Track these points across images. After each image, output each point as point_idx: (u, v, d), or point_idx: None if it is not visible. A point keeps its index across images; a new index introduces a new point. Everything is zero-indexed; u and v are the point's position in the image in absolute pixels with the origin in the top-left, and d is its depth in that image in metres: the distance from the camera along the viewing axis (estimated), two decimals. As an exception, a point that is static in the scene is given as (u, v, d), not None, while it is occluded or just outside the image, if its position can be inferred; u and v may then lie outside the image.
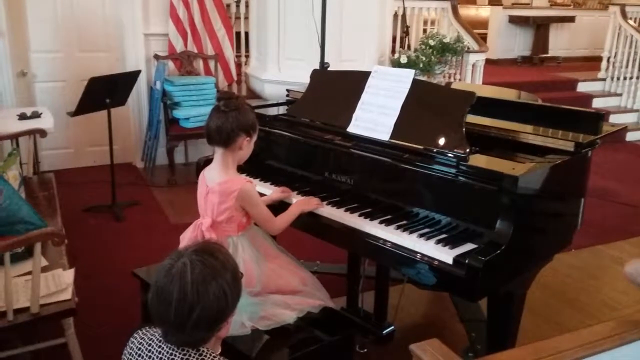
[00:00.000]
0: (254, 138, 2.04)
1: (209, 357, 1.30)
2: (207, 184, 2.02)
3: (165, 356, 1.31)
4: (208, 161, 2.64)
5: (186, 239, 2.06)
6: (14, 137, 3.44)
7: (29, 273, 2.10)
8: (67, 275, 2.27)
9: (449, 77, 5.55)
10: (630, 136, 6.82)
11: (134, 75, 4.23)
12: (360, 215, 2.08)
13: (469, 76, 5.67)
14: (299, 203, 2.18)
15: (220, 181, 1.98)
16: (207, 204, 2.01)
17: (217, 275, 1.28)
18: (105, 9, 4.93)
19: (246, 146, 2.01)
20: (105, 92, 3.92)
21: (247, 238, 2.05)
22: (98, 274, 3.20)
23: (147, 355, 1.34)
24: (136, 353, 1.37)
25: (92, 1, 4.86)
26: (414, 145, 2.04)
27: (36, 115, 3.82)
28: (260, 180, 2.46)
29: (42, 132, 3.42)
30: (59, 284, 2.19)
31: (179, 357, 1.30)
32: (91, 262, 3.31)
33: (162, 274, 1.29)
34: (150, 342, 1.36)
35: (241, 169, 2.24)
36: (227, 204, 1.97)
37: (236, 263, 1.38)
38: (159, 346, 1.33)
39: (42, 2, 4.68)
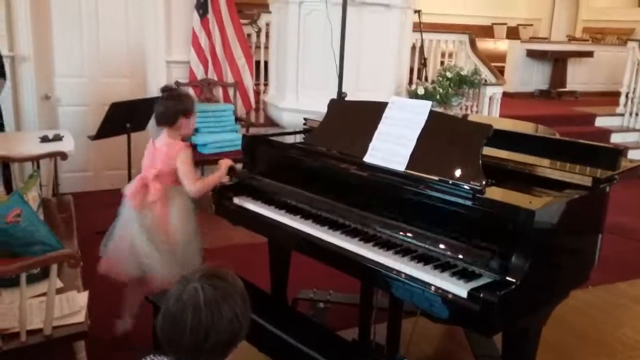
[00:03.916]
0: (192, 116, 2.74)
1: None
2: (155, 146, 2.71)
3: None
4: (225, 188, 2.67)
5: (131, 187, 2.68)
6: (35, 159, 3.50)
7: (43, 294, 2.11)
8: (81, 298, 2.28)
9: (466, 109, 5.57)
10: (650, 172, 6.72)
11: (154, 102, 4.28)
12: (374, 246, 2.07)
13: (486, 109, 5.68)
14: (218, 173, 2.68)
15: (167, 142, 2.67)
16: (155, 160, 2.67)
17: (228, 298, 1.28)
18: (130, 36, 5.05)
19: (185, 124, 2.69)
20: (125, 117, 3.99)
21: (182, 190, 2.65)
22: (112, 297, 3.20)
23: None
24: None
25: (117, 29, 4.99)
26: (430, 177, 2.04)
27: (58, 138, 3.89)
28: (275, 208, 2.46)
29: (63, 155, 3.47)
30: (73, 306, 2.20)
31: (189, 383, 1.29)
32: (105, 285, 3.31)
33: (172, 300, 1.29)
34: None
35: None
36: (173, 159, 2.62)
37: (243, 284, 1.37)
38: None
39: (69, 28, 4.81)
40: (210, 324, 1.24)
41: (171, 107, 2.68)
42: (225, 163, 2.71)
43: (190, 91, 5.05)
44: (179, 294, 1.29)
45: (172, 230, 2.66)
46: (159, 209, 2.64)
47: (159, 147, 2.69)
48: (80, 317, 2.15)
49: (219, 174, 2.67)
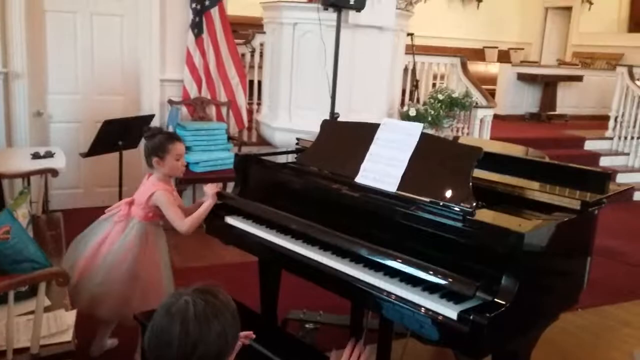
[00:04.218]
0: (167, 156, 2.64)
1: None
2: (145, 180, 2.74)
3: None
4: (217, 207, 2.67)
5: (112, 207, 2.77)
6: (26, 175, 3.49)
7: (31, 313, 2.09)
8: (69, 317, 2.26)
9: (457, 131, 5.62)
10: (638, 196, 6.78)
11: (147, 119, 4.31)
12: (365, 266, 2.07)
13: (477, 131, 5.74)
14: (206, 205, 2.60)
15: (150, 179, 2.70)
16: (139, 189, 2.71)
17: (218, 314, 1.28)
18: (124, 54, 5.06)
19: (162, 165, 2.64)
20: (118, 134, 3.99)
21: (142, 229, 2.64)
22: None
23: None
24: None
25: (112, 47, 5.00)
26: (421, 198, 2.06)
27: (49, 155, 3.88)
28: (266, 227, 2.46)
29: (54, 172, 3.46)
30: (60, 324, 2.17)
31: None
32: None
33: (161, 313, 1.28)
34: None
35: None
36: (146, 196, 2.62)
37: (234, 304, 1.37)
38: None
39: (63, 45, 4.81)
40: (198, 337, 1.24)
41: (145, 148, 2.71)
42: (212, 190, 2.62)
43: (183, 109, 5.07)
44: (168, 307, 1.28)
45: (108, 248, 2.64)
46: (116, 231, 2.68)
47: (147, 181, 2.74)
48: (68, 336, 2.12)
49: (208, 205, 2.60)
